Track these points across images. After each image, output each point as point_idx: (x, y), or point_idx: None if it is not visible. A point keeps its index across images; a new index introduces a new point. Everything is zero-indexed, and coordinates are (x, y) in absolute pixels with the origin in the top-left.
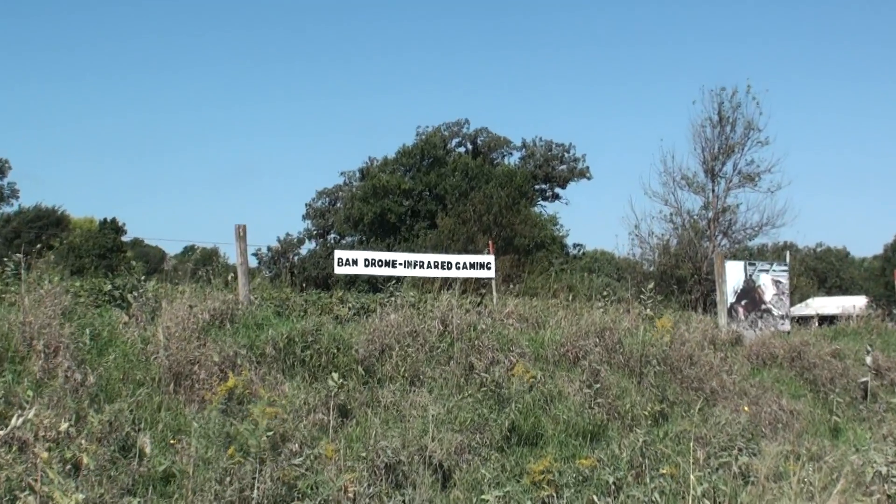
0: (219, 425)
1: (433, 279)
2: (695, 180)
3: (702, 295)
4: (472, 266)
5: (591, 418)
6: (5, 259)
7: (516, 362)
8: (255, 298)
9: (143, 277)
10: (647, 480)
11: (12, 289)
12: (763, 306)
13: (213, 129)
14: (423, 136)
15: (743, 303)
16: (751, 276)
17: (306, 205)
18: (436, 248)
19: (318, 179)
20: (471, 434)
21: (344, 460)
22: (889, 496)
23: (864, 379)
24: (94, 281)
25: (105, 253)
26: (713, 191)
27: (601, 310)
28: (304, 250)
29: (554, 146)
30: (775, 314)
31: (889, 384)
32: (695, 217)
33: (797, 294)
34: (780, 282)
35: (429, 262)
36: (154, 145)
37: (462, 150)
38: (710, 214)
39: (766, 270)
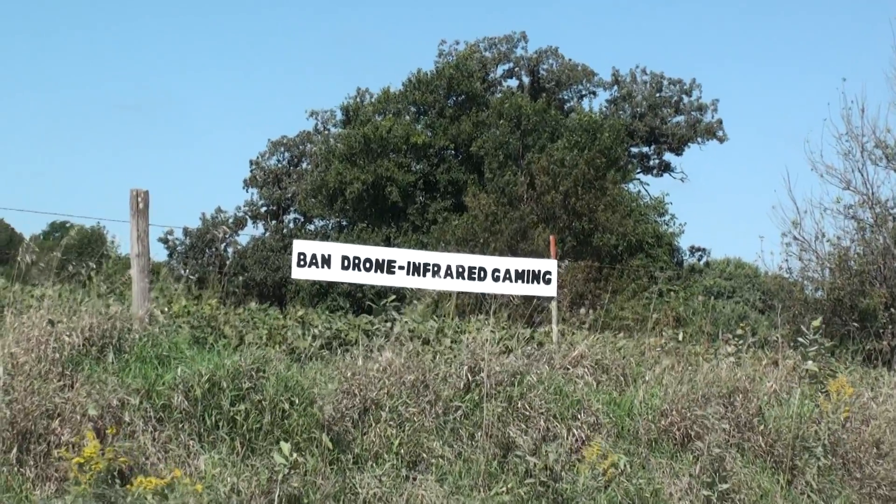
0: None
1: (455, 296)
2: None
3: None
4: (521, 276)
5: None
6: None
7: (587, 440)
8: (160, 313)
9: None
10: None
11: None
12: None
13: (107, 44)
14: (450, 59)
15: None
16: None
17: (251, 163)
18: (463, 245)
19: (272, 123)
20: None
21: None
22: None
23: None
24: None
25: None
26: None
27: (732, 359)
28: (243, 237)
29: (666, 84)
30: None
31: None
32: None
33: None
34: None
35: (449, 268)
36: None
37: (514, 83)
38: None
39: None
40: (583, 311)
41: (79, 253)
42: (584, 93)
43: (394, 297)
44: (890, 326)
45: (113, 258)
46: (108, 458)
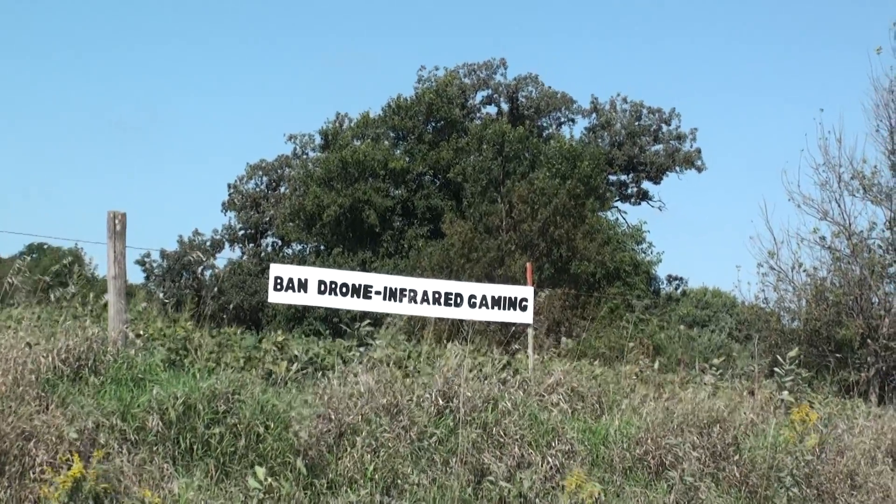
0: None
1: (430, 321)
2: (875, 181)
3: (878, 373)
4: (498, 303)
5: None
6: None
7: (562, 467)
8: (136, 336)
9: None
10: None
11: None
12: None
13: (88, 67)
14: (430, 85)
15: None
16: None
17: (229, 186)
18: (440, 271)
19: (250, 146)
20: None
21: None
22: None
23: None
24: None
25: None
26: None
27: (708, 388)
28: (221, 260)
29: (645, 112)
30: None
31: None
32: (872, 243)
33: None
34: None
35: (426, 293)
36: None
37: (493, 110)
38: None
39: None
40: (560, 338)
41: (55, 274)
42: (562, 120)
43: (368, 321)
44: (868, 359)
45: (88, 279)
46: (92, 481)
